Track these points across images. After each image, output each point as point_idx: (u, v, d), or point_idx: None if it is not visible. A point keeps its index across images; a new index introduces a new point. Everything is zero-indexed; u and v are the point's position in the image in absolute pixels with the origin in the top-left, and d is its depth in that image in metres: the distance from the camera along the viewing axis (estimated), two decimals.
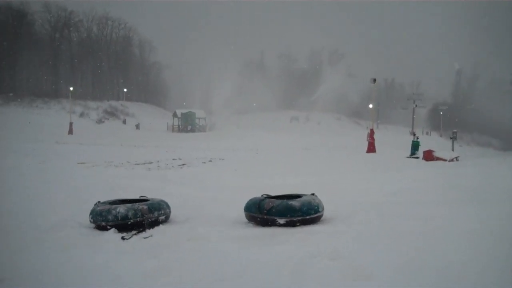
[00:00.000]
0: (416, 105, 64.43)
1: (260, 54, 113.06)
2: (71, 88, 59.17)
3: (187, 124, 69.97)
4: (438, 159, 21.91)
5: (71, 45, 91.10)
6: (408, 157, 23.67)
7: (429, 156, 22.51)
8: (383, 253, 4.65)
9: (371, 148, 26.75)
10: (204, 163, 17.70)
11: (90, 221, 6.19)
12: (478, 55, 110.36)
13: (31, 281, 4.02)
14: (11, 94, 70.39)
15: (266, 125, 68.35)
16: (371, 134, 27.74)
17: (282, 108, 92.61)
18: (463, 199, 8.73)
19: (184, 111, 72.15)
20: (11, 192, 9.16)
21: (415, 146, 25.09)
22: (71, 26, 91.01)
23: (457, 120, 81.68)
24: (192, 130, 68.25)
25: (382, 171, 15.18)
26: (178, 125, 70.18)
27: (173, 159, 18.98)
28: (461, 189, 10.29)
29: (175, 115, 72.08)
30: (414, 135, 29.67)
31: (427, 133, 74.63)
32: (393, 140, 42.16)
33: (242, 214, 6.60)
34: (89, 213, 6.26)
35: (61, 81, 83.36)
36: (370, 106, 37.30)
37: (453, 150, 30.29)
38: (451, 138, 33.11)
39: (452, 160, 22.20)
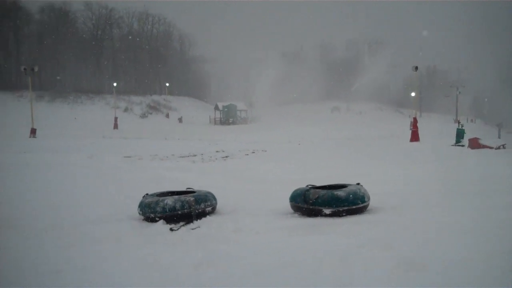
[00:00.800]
0: (459, 92, 63.01)
1: (299, 45, 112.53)
2: (115, 84, 60.48)
3: (228, 116, 70.35)
4: (484, 146, 21.40)
5: (113, 41, 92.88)
6: (453, 145, 23.16)
7: (475, 144, 22.01)
8: (432, 244, 4.57)
9: (414, 137, 26.31)
10: (247, 155, 17.77)
11: (139, 213, 6.31)
12: None
13: (85, 273, 4.11)
14: (59, 93, 72.09)
15: (307, 116, 68.07)
16: (414, 123, 27.29)
17: (322, 99, 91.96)
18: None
19: (226, 103, 72.60)
20: (61, 187, 9.40)
21: (460, 134, 24.54)
22: (112, 23, 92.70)
23: (503, 106, 79.37)
24: (234, 123, 68.57)
25: (427, 160, 14.92)
26: (220, 118, 70.62)
27: (217, 152, 19.11)
28: (509, 178, 10.05)
29: (216, 108, 72.61)
30: (459, 122, 29.05)
31: (471, 121, 73.07)
32: (437, 128, 41.38)
33: (287, 205, 6.61)
34: (137, 206, 6.39)
35: (105, 77, 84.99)
36: (413, 94, 36.73)
37: (499, 137, 29.56)
38: (497, 125, 32.32)
39: (499, 147, 21.65)
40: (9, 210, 6.92)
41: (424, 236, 4.90)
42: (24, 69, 37.40)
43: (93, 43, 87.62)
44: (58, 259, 4.48)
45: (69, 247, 4.97)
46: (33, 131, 32.85)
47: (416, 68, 29.02)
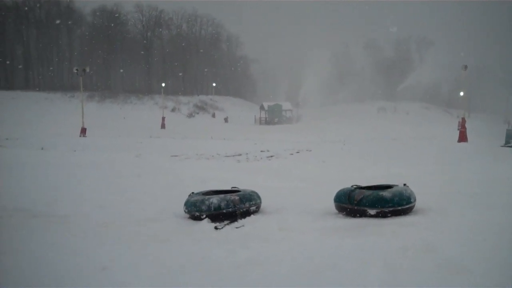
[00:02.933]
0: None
1: (345, 46, 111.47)
2: (163, 84, 61.26)
3: (274, 116, 70.42)
4: None
5: (162, 42, 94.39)
6: (502, 146, 22.55)
7: None
8: (479, 247, 4.50)
9: (462, 137, 25.73)
10: (292, 154, 17.75)
11: (185, 212, 6.42)
12: None
13: (132, 271, 4.20)
14: (109, 93, 73.83)
15: (353, 116, 67.43)
16: (462, 123, 26.71)
17: (369, 99, 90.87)
18: None
19: (271, 103, 72.73)
20: (109, 186, 9.61)
21: (510, 134, 23.88)
22: (162, 25, 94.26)
23: None
24: (279, 122, 68.61)
25: (475, 161, 14.58)
26: (265, 118, 70.74)
27: (261, 151, 19.16)
28: None
29: (262, 108, 72.81)
30: (509, 123, 28.23)
31: None
32: (486, 129, 40.32)
33: (331, 205, 6.59)
34: (183, 204, 6.50)
35: (153, 77, 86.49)
36: (461, 94, 35.88)
37: None
38: None
39: None
40: (59, 207, 7.10)
41: (469, 238, 4.81)
42: (76, 70, 38.43)
43: (143, 44, 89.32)
44: (105, 256, 4.58)
45: (116, 245, 5.08)
46: (83, 130, 33.69)
47: (466, 67, 28.39)
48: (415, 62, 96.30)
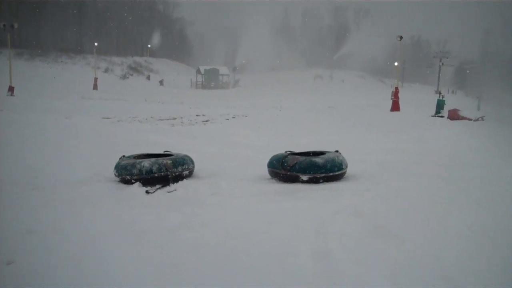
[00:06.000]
0: (442, 64, 63.07)
1: (284, 11, 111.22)
2: (96, 44, 59.37)
3: (210, 80, 69.97)
4: (463, 118, 21.56)
5: (96, 0, 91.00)
6: (433, 116, 23.30)
7: (454, 115, 22.15)
8: (406, 212, 4.64)
9: (395, 107, 26.36)
10: (228, 119, 17.69)
11: (115, 175, 6.26)
12: (508, 12, 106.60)
13: (58, 234, 4.07)
14: (39, 51, 70.83)
15: (289, 83, 67.93)
16: (395, 93, 27.31)
17: (305, 67, 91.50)
18: (491, 160, 8.62)
19: (208, 67, 72.08)
20: (38, 148, 9.25)
21: (440, 105, 24.67)
22: None
23: (484, 79, 79.81)
24: (215, 87, 68.27)
25: (406, 130, 14.99)
26: (202, 82, 70.16)
27: (197, 115, 19.00)
28: (484, 150, 10.16)
29: (198, 71, 72.06)
30: (440, 94, 29.19)
31: (452, 92, 73.40)
32: (418, 98, 41.57)
33: (265, 171, 6.61)
34: (114, 167, 6.33)
35: (86, 36, 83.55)
36: (396, 64, 36.66)
37: (479, 109, 29.84)
38: (477, 97, 32.61)
39: (477, 119, 21.84)
40: None
41: (397, 205, 4.94)
42: (4, 25, 36.47)
43: (76, 1, 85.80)
44: (31, 219, 4.43)
45: (44, 208, 4.92)
46: (11, 89, 32.26)
47: (401, 37, 28.90)
48: (352, 31, 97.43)
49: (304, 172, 6.11)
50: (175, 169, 6.20)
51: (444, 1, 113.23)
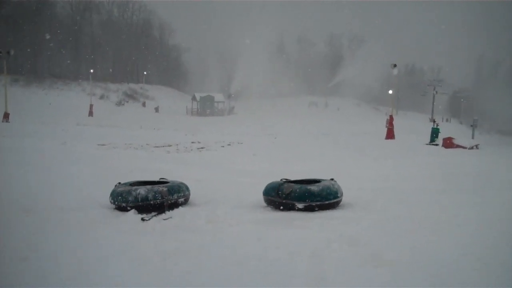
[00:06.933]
0: (436, 92, 63.56)
1: (279, 38, 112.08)
2: (92, 70, 59.75)
3: (205, 107, 70.29)
4: (458, 146, 21.73)
5: (92, 27, 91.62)
6: (427, 144, 23.47)
7: (449, 143, 22.35)
8: (402, 240, 4.64)
9: (390, 135, 26.56)
10: (223, 146, 17.74)
11: (111, 202, 6.25)
12: (501, 41, 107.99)
13: (52, 261, 4.04)
14: (35, 77, 70.94)
15: (284, 110, 68.27)
16: (390, 121, 27.54)
17: (301, 94, 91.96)
18: (483, 186, 8.66)
19: (203, 94, 72.45)
20: (33, 173, 9.25)
21: (435, 133, 24.89)
22: (92, 9, 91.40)
23: (479, 107, 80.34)
24: (211, 114, 68.54)
25: (401, 158, 15.08)
26: (197, 109, 70.45)
27: (192, 142, 19.05)
28: (481, 177, 10.21)
29: (194, 98, 72.38)
30: (434, 122, 29.41)
31: (447, 120, 73.95)
32: (413, 126, 41.87)
33: (260, 198, 6.61)
34: (109, 194, 6.32)
35: (82, 63, 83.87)
36: (390, 92, 36.93)
37: (473, 137, 30.03)
38: (471, 126, 32.84)
39: (472, 147, 22.00)
40: None
41: (393, 233, 4.95)
42: (0, 52, 36.68)
43: (72, 28, 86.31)
44: (25, 246, 4.40)
45: (38, 234, 4.89)
46: (6, 115, 32.34)
47: (395, 65, 29.22)
48: (346, 59, 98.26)
49: (300, 200, 6.12)
50: (171, 197, 6.20)
51: (438, 28, 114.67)
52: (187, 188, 6.64)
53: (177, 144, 18.10)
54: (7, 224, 5.23)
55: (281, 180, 6.69)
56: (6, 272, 3.78)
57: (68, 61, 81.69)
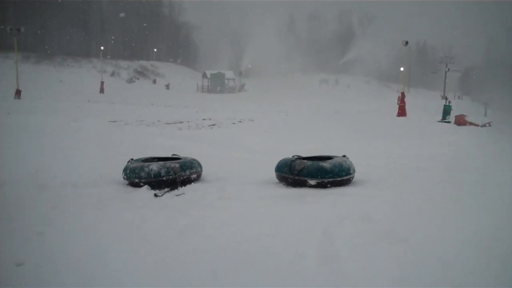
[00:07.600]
0: (448, 69, 62.81)
1: (289, 16, 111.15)
2: (102, 48, 59.64)
3: (216, 85, 70.12)
4: (470, 124, 21.56)
5: (101, 5, 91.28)
6: (439, 121, 23.28)
7: (461, 120, 22.16)
8: (415, 218, 4.62)
9: (401, 112, 26.32)
10: (234, 124, 17.72)
11: (124, 178, 6.29)
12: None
13: (67, 237, 4.07)
14: (46, 55, 70.96)
15: (295, 87, 67.94)
16: (401, 98, 27.28)
17: (311, 71, 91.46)
18: (497, 165, 8.61)
19: (214, 72, 72.22)
20: (45, 150, 9.29)
21: (446, 110, 24.68)
22: None
23: (491, 84, 79.47)
24: (221, 91, 68.39)
25: (413, 136, 15.00)
26: (208, 86, 70.30)
27: (203, 119, 19.04)
28: (494, 155, 10.15)
29: (204, 76, 72.21)
30: (446, 99, 29.17)
31: (458, 97, 73.33)
32: (424, 104, 41.58)
33: (272, 175, 6.62)
34: (122, 170, 6.36)
35: (92, 40, 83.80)
36: (401, 69, 36.58)
37: (485, 115, 29.80)
38: (484, 103, 32.57)
39: (484, 125, 21.82)
40: None
41: (405, 210, 4.94)
42: (10, 29, 36.58)
43: (82, 5, 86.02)
44: (40, 221, 4.44)
45: (52, 210, 4.93)
46: (18, 92, 32.37)
47: (406, 42, 28.85)
48: (357, 36, 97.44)
49: (312, 176, 6.11)
50: (183, 173, 6.22)
51: (450, 4, 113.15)
52: (199, 165, 6.66)
53: (188, 121, 18.09)
54: (23, 200, 5.27)
55: (293, 156, 6.68)
56: (23, 245, 3.83)
57: (81, 39, 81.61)
